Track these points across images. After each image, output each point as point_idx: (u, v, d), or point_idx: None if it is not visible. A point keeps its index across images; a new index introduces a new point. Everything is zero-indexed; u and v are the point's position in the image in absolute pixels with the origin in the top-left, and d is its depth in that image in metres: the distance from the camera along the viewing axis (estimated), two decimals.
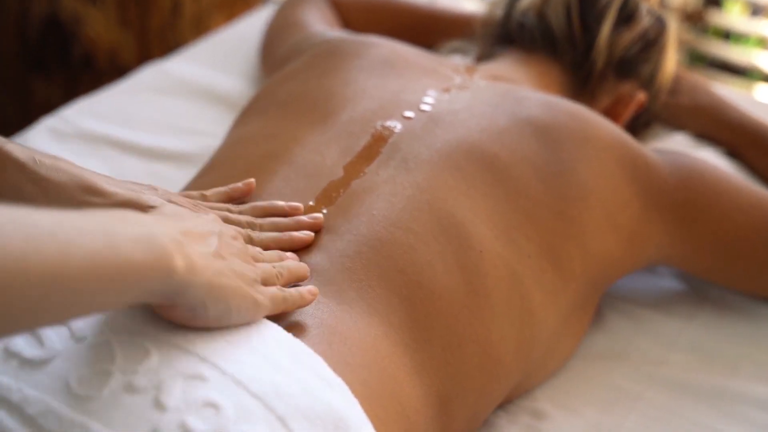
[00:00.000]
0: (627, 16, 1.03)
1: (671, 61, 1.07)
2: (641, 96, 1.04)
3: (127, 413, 0.52)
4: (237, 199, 0.77)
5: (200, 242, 0.57)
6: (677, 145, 1.09)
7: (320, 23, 1.15)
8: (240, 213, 0.74)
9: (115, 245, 0.49)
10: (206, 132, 1.15)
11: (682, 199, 0.87)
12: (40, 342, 0.56)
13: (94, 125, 1.15)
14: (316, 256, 0.70)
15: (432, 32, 1.23)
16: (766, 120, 1.11)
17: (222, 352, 0.56)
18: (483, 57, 1.09)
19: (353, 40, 0.97)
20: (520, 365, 0.77)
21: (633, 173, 0.85)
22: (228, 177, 0.78)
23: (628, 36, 1.02)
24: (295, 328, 0.62)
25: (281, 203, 0.75)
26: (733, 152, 1.11)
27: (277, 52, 1.12)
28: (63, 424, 0.51)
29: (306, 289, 0.65)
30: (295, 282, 0.67)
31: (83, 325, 0.57)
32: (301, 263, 0.68)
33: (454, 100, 0.86)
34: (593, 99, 1.03)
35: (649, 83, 1.06)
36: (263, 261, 0.66)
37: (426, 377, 0.68)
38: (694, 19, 1.93)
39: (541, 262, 0.77)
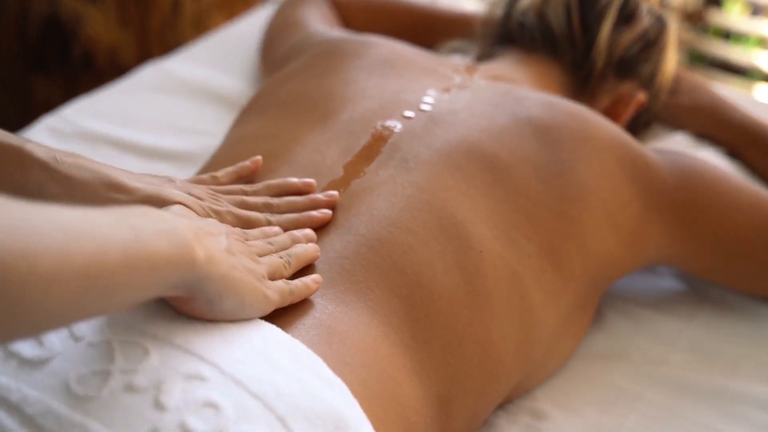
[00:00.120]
0: (627, 16, 1.03)
1: (671, 61, 1.07)
2: (641, 96, 1.03)
3: (126, 413, 0.51)
4: (246, 177, 0.78)
5: (214, 239, 0.59)
6: (677, 145, 1.09)
7: (320, 23, 1.15)
8: (255, 193, 0.75)
9: (143, 239, 0.51)
10: (206, 131, 1.15)
11: (682, 199, 0.87)
12: (40, 342, 0.56)
13: (94, 125, 1.15)
14: None
15: (432, 32, 1.23)
16: (767, 120, 1.11)
17: (222, 351, 0.56)
18: (483, 57, 1.09)
19: (353, 40, 0.97)
20: (520, 365, 0.77)
21: (633, 173, 0.85)
22: None
23: (628, 36, 1.02)
24: (294, 329, 0.62)
25: (295, 180, 0.76)
26: (733, 152, 1.10)
27: (277, 52, 1.12)
28: (62, 424, 0.51)
29: (310, 278, 0.66)
30: (307, 264, 0.69)
31: (83, 325, 0.57)
32: (309, 246, 0.69)
33: (454, 99, 0.86)
34: (593, 99, 1.03)
35: (649, 83, 1.05)
36: (271, 252, 0.67)
37: (426, 377, 0.68)
38: (694, 19, 1.93)
39: (541, 262, 0.77)
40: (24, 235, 0.45)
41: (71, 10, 1.74)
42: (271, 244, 0.68)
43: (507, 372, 0.75)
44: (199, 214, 0.69)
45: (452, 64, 0.98)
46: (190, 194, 0.71)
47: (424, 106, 0.84)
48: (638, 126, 1.08)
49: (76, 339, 0.56)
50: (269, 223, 0.72)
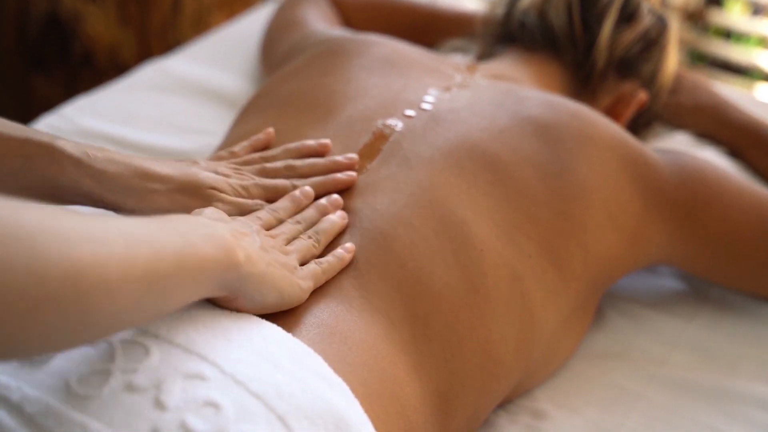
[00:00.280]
0: (628, 16, 1.03)
1: (672, 61, 1.07)
2: (642, 95, 1.03)
3: (127, 412, 0.51)
4: (260, 149, 0.81)
5: (249, 239, 0.62)
6: (678, 145, 1.09)
7: (321, 22, 1.14)
8: (274, 158, 0.78)
9: (192, 243, 0.54)
10: (206, 130, 1.15)
11: (683, 199, 0.87)
12: None
13: (94, 123, 1.15)
14: None
15: (433, 31, 1.23)
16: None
17: (222, 351, 0.56)
18: (484, 56, 1.09)
19: (354, 39, 0.97)
20: (520, 365, 0.77)
21: (634, 173, 0.85)
22: None
23: (630, 35, 1.02)
24: (295, 328, 0.62)
25: (311, 142, 0.79)
26: (734, 152, 1.10)
27: (277, 51, 1.12)
28: (63, 423, 0.51)
29: (340, 252, 0.69)
30: (336, 235, 0.72)
31: None
32: (336, 219, 0.72)
33: (455, 99, 0.86)
34: (594, 98, 1.03)
35: (650, 82, 1.05)
36: (299, 232, 0.70)
37: (425, 376, 0.68)
38: (695, 19, 1.93)
39: (541, 261, 0.77)
40: (92, 243, 0.47)
41: (71, 9, 1.74)
42: (299, 222, 0.71)
43: (507, 371, 0.75)
44: (228, 193, 0.72)
45: (453, 63, 0.98)
46: (217, 173, 0.74)
47: (425, 105, 0.84)
48: (639, 125, 1.08)
49: None
50: (294, 187, 0.75)
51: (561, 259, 0.78)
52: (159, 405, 0.52)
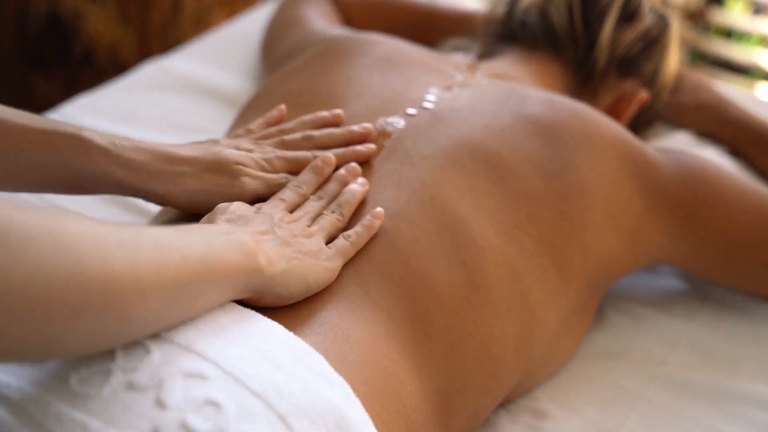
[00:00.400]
0: (629, 14, 1.03)
1: (674, 60, 1.07)
2: (643, 94, 1.03)
3: (127, 411, 0.51)
4: (273, 126, 0.82)
5: (269, 237, 0.64)
6: (679, 144, 1.09)
7: (322, 21, 1.14)
8: (291, 131, 0.80)
9: (217, 251, 0.57)
10: (207, 129, 1.15)
11: (684, 198, 0.87)
12: None
13: (94, 122, 1.15)
14: None
15: (433, 30, 1.23)
16: None
17: (223, 350, 0.56)
18: (484, 55, 1.08)
19: (355, 38, 0.97)
20: (521, 364, 0.77)
21: (635, 172, 0.85)
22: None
23: (631, 34, 1.02)
24: (297, 326, 0.62)
25: (325, 113, 0.82)
26: (735, 151, 1.10)
27: (278, 50, 1.12)
28: (63, 422, 0.51)
29: (369, 219, 0.71)
30: (358, 204, 0.74)
31: None
32: (356, 189, 0.74)
33: (457, 98, 0.86)
34: (595, 97, 1.03)
35: (651, 81, 1.05)
36: (322, 208, 0.72)
37: (426, 374, 0.68)
38: (696, 18, 1.93)
39: (542, 260, 0.77)
40: (126, 251, 0.50)
41: (71, 8, 1.74)
42: (321, 198, 0.73)
43: (507, 370, 0.75)
44: (253, 167, 0.74)
45: (454, 62, 0.98)
46: (239, 149, 0.76)
47: (426, 104, 0.84)
48: (640, 124, 1.08)
49: None
50: (315, 158, 0.76)
51: (562, 258, 0.78)
52: (159, 404, 0.52)
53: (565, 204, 0.79)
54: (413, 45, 0.99)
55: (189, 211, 0.73)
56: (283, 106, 0.84)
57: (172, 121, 1.17)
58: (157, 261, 0.51)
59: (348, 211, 0.73)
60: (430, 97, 0.85)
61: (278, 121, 0.83)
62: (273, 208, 0.70)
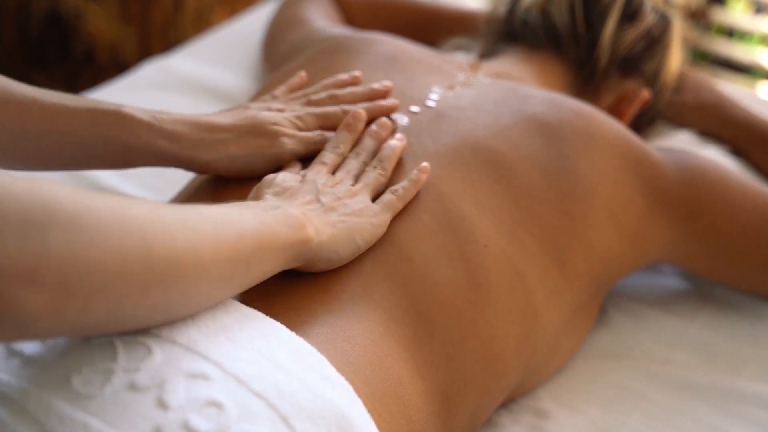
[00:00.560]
0: (631, 14, 1.02)
1: (676, 59, 1.07)
2: (645, 93, 1.03)
3: (129, 412, 0.51)
4: (296, 91, 0.85)
5: (314, 206, 0.67)
6: (681, 143, 1.09)
7: (323, 20, 1.14)
8: (316, 93, 0.83)
9: (268, 225, 0.60)
10: None
11: (686, 198, 0.87)
12: (43, 340, 0.56)
13: None
14: None
15: (435, 29, 1.23)
16: None
17: (225, 350, 0.56)
18: (486, 54, 1.08)
19: (357, 37, 0.97)
20: (522, 363, 0.76)
21: (637, 171, 0.85)
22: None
23: (632, 33, 1.02)
24: (299, 326, 0.62)
25: (344, 75, 0.85)
26: (737, 150, 1.10)
27: (279, 49, 1.12)
28: (64, 422, 0.51)
29: (416, 174, 0.73)
30: (398, 158, 0.76)
31: None
32: (395, 144, 0.76)
33: (459, 97, 0.86)
34: (597, 96, 1.03)
35: (653, 81, 1.05)
36: (363, 165, 0.75)
37: (427, 373, 0.68)
38: (698, 17, 1.92)
39: (544, 259, 0.77)
40: (188, 231, 0.53)
41: (72, 6, 1.74)
42: (359, 154, 0.76)
43: (508, 369, 0.75)
44: (287, 127, 0.76)
45: (456, 61, 0.97)
46: (270, 110, 0.78)
47: (429, 103, 0.84)
48: (642, 124, 1.08)
49: (79, 337, 0.56)
50: (344, 113, 0.79)
51: (564, 257, 0.78)
52: (161, 404, 0.52)
53: (567, 203, 0.79)
54: (415, 44, 0.99)
55: (231, 176, 0.76)
56: (303, 73, 0.86)
57: None
58: (214, 239, 0.54)
59: (389, 166, 0.75)
60: (434, 96, 0.85)
61: (299, 87, 0.85)
62: (316, 173, 0.72)
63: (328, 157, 0.75)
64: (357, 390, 0.59)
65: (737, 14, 1.97)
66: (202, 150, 0.73)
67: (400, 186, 0.73)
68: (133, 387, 0.52)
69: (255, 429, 0.52)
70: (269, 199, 0.67)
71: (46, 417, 0.51)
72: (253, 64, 1.29)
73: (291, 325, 0.61)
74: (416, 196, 0.74)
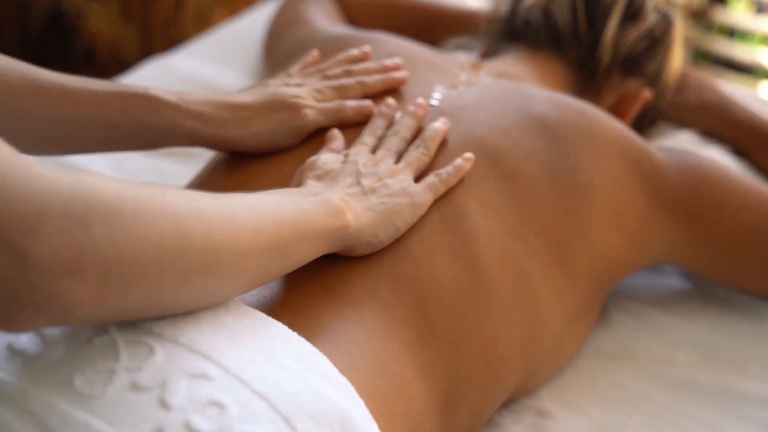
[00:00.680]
0: (633, 13, 1.02)
1: (677, 59, 1.07)
2: (647, 93, 1.03)
3: (131, 412, 0.51)
4: (310, 68, 0.87)
5: (355, 190, 0.68)
6: (683, 143, 1.08)
7: (324, 19, 1.14)
8: (331, 68, 0.85)
9: (307, 212, 0.61)
10: None
11: (688, 198, 0.87)
12: (44, 340, 0.56)
13: None
14: None
15: (436, 29, 1.23)
16: None
17: (227, 350, 0.56)
18: (488, 54, 1.08)
19: (358, 37, 0.97)
20: (525, 364, 0.76)
21: (639, 171, 0.85)
22: (233, 173, 0.79)
23: (634, 33, 1.02)
24: (301, 327, 0.62)
25: (355, 50, 0.88)
26: (739, 150, 1.10)
27: (280, 48, 1.11)
28: (67, 422, 0.51)
29: (460, 162, 0.75)
30: (441, 140, 0.77)
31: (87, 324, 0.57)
32: (438, 125, 0.78)
33: (462, 96, 0.86)
34: (599, 96, 1.03)
35: (655, 81, 1.05)
36: (404, 144, 0.76)
37: (430, 374, 0.67)
38: (699, 17, 1.92)
39: (547, 259, 0.77)
40: (225, 220, 0.54)
41: (73, 5, 1.74)
42: (397, 132, 0.77)
43: (511, 369, 0.74)
44: (308, 99, 0.78)
45: (457, 61, 0.97)
46: (288, 85, 0.81)
47: (432, 102, 0.84)
48: (644, 124, 1.08)
49: (81, 337, 0.56)
50: (364, 87, 0.82)
51: (567, 257, 0.78)
52: (163, 405, 0.52)
53: (569, 202, 0.79)
54: (417, 44, 0.99)
55: (256, 151, 0.78)
56: (316, 51, 0.89)
57: None
58: (252, 227, 0.55)
59: (433, 146, 0.76)
60: (436, 95, 0.85)
61: (313, 65, 0.87)
62: (357, 153, 0.73)
63: (367, 139, 0.77)
64: (359, 390, 0.59)
65: (738, 14, 1.97)
66: (228, 128, 0.75)
67: (444, 170, 0.74)
68: (135, 387, 0.52)
69: (257, 429, 0.52)
70: (310, 185, 0.68)
71: (49, 417, 0.51)
72: (254, 63, 1.29)
73: (293, 325, 0.61)
74: None
